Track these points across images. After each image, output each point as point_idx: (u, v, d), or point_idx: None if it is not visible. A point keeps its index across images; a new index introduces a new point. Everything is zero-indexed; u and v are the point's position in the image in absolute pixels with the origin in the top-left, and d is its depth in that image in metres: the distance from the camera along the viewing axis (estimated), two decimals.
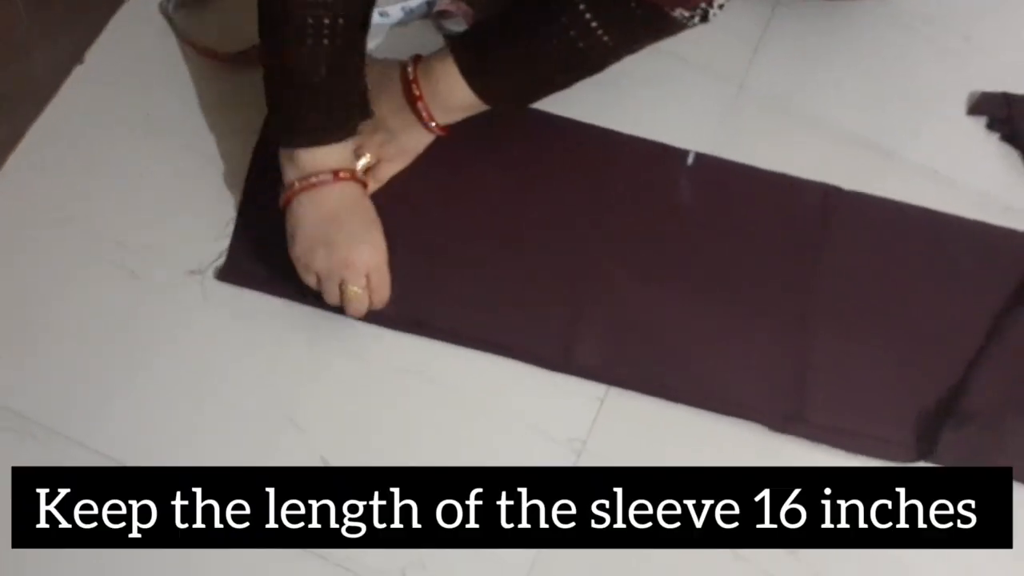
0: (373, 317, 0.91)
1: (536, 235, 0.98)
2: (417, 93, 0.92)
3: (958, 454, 0.91)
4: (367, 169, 0.94)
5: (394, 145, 0.96)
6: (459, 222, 0.98)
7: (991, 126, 1.07)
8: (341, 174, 0.88)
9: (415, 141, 0.97)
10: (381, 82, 0.93)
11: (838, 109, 1.07)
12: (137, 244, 0.96)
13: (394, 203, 0.95)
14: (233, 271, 0.94)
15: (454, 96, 0.91)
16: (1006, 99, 1.07)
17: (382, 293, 0.89)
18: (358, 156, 0.93)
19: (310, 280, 0.89)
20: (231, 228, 0.96)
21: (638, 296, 0.96)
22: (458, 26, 1.05)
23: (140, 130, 1.00)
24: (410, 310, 0.94)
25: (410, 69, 0.92)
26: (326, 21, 0.82)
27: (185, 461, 0.88)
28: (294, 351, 0.93)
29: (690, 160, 1.02)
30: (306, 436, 0.90)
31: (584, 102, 1.02)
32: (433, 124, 0.93)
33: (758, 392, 0.93)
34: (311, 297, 0.91)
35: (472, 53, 0.90)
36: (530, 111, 1.01)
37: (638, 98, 1.05)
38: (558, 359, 0.93)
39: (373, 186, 0.95)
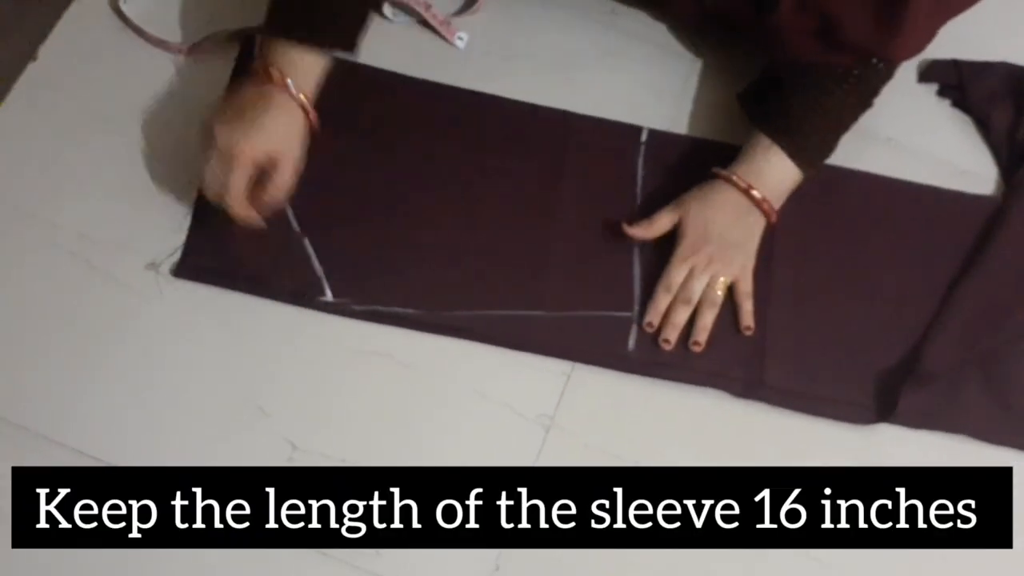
0: (336, 309, 0.93)
1: (495, 219, 0.99)
2: (760, 196, 0.95)
3: (917, 415, 0.93)
4: (727, 290, 0.96)
5: (742, 254, 0.97)
6: (418, 208, 0.98)
7: (942, 92, 1.09)
8: (301, 95, 0.89)
9: (756, 239, 0.98)
10: (705, 203, 0.96)
11: None
12: (97, 238, 0.95)
13: (353, 190, 0.97)
14: (189, 267, 0.94)
15: (785, 183, 0.97)
16: (956, 66, 1.08)
17: (277, 190, 0.89)
18: (712, 285, 0.95)
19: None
20: (189, 221, 0.96)
21: (597, 272, 0.97)
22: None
23: (97, 124, 1.00)
24: (372, 300, 0.94)
25: (736, 179, 0.95)
26: None
27: (153, 454, 0.88)
28: (257, 341, 0.93)
29: (644, 136, 1.03)
30: (273, 421, 0.90)
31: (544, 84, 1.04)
32: (772, 210, 0.97)
33: (719, 360, 0.94)
34: (269, 290, 0.93)
35: (787, 135, 0.95)
36: (484, 96, 1.03)
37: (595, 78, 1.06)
38: (519, 339, 0.94)
39: (750, 303, 0.96)
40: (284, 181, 0.90)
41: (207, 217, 0.94)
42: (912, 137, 1.06)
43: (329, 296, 0.94)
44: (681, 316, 0.95)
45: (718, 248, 0.95)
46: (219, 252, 0.94)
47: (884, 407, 0.93)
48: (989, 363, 0.96)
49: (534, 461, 0.90)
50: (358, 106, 1.01)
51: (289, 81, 0.89)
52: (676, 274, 0.95)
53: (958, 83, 1.08)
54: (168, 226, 0.96)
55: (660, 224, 0.97)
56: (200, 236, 0.95)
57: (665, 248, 0.97)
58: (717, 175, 0.97)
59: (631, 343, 0.95)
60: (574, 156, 1.02)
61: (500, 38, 1.08)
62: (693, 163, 1.01)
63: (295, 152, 0.90)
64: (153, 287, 0.94)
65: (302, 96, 0.90)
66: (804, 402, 0.93)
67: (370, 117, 1.01)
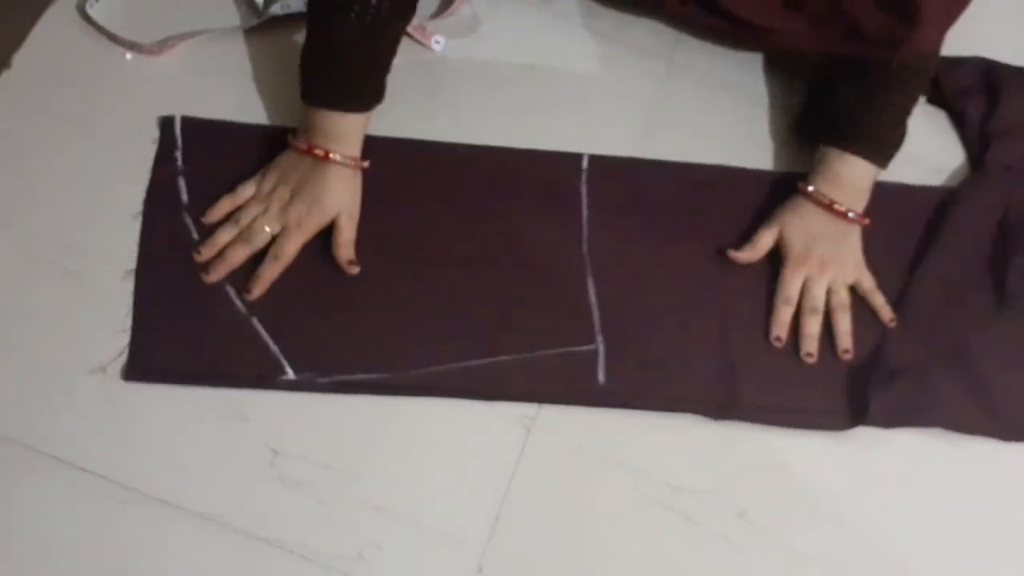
0: (300, 386, 0.90)
1: (446, 270, 0.97)
2: (843, 209, 0.98)
3: (890, 414, 0.93)
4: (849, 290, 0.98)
5: (852, 254, 0.99)
6: (365, 269, 0.95)
7: None
8: (351, 161, 0.94)
9: (859, 244, 1.00)
10: (805, 223, 0.98)
11: (760, 81, 1.09)
12: (75, 245, 0.95)
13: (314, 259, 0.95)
14: (139, 368, 0.90)
15: (865, 183, 0.99)
16: None
17: (346, 248, 0.94)
18: (835, 286, 0.97)
19: (245, 192, 0.95)
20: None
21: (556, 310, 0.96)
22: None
23: (73, 131, 1.00)
24: (336, 370, 0.91)
25: (817, 195, 0.98)
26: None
27: (137, 468, 0.87)
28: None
29: (585, 164, 1.03)
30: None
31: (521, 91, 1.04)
32: (858, 216, 0.99)
33: (691, 384, 0.94)
34: (227, 379, 0.91)
35: (860, 143, 0.98)
36: (415, 144, 1.02)
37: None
38: (489, 388, 0.92)
39: (880, 298, 0.98)
40: (349, 238, 0.95)
41: (148, 315, 0.92)
42: None
43: (290, 374, 0.90)
44: (815, 327, 0.96)
45: (827, 252, 0.97)
46: (168, 348, 0.91)
47: (857, 410, 0.93)
48: (956, 354, 0.96)
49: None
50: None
51: (336, 156, 0.93)
52: (792, 285, 0.97)
53: (934, 79, 1.09)
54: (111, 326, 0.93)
55: (763, 243, 0.98)
56: (145, 336, 0.91)
57: (617, 277, 0.97)
58: (801, 192, 0.99)
59: (600, 376, 0.93)
60: (518, 194, 1.01)
61: (478, 42, 1.08)
62: (639, 184, 1.02)
63: (355, 210, 0.96)
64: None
65: (350, 162, 0.94)
66: (779, 416, 0.93)
67: None
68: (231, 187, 0.97)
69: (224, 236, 0.94)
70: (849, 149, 0.98)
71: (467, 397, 0.92)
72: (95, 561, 0.83)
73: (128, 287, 0.93)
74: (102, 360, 0.90)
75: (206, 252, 0.94)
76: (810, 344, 0.95)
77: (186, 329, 0.91)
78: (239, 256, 0.93)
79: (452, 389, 0.91)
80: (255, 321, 0.92)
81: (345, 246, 0.94)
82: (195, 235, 0.95)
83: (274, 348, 0.91)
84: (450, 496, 0.88)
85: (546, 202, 1.00)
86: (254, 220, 0.94)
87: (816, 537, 0.89)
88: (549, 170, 1.02)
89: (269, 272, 0.93)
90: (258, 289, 0.93)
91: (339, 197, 0.94)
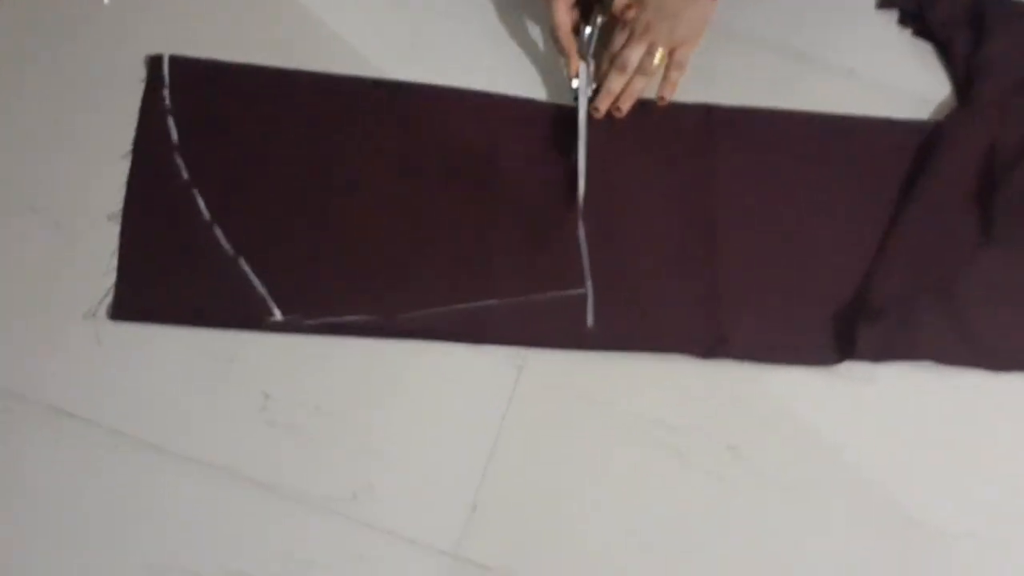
0: (287, 327, 0.90)
1: (434, 212, 0.95)
2: None
3: (877, 348, 0.93)
4: (664, 62, 0.97)
5: (684, 25, 0.97)
6: (353, 210, 0.95)
7: (903, 21, 1.09)
8: None
9: (701, 17, 0.98)
10: None
11: (752, 18, 1.07)
12: (59, 191, 0.94)
13: (279, 201, 0.95)
14: (126, 308, 0.91)
15: None
16: None
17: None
18: (651, 53, 0.96)
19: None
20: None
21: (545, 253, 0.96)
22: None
23: (55, 78, 0.98)
24: (323, 312, 0.91)
25: None
26: None
27: (128, 414, 0.87)
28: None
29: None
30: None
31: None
32: None
33: (679, 325, 0.94)
34: (214, 319, 0.91)
35: None
36: (399, 85, 1.00)
37: None
38: (477, 331, 0.92)
39: (677, 74, 0.98)
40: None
41: (135, 255, 0.92)
42: (873, 68, 1.06)
43: (278, 315, 0.91)
44: (615, 83, 0.96)
45: (655, 15, 0.95)
46: (155, 289, 0.91)
47: (844, 345, 0.94)
48: (941, 287, 0.96)
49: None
50: (258, 111, 0.98)
51: None
52: (616, 41, 0.97)
53: (917, 9, 1.08)
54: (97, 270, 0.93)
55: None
56: (131, 275, 0.92)
57: (606, 220, 0.96)
58: None
59: (590, 319, 0.93)
60: (503, 136, 0.99)
61: None
62: (629, 121, 1.00)
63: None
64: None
65: None
66: (767, 352, 0.94)
67: (276, 120, 0.98)
68: (221, 126, 0.96)
69: (615, 83, 0.97)
70: None
71: (456, 340, 0.92)
72: (87, 507, 0.84)
73: (114, 230, 0.93)
74: (91, 303, 0.90)
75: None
76: (603, 100, 0.97)
77: (173, 269, 0.91)
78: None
79: (441, 332, 0.91)
80: (242, 262, 0.92)
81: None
82: (185, 175, 0.94)
83: (261, 289, 0.91)
84: (442, 436, 0.89)
85: (537, 144, 1.00)
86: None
87: (806, 471, 0.90)
88: (539, 113, 1.01)
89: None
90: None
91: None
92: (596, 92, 0.98)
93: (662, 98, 0.98)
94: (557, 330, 0.93)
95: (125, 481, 0.85)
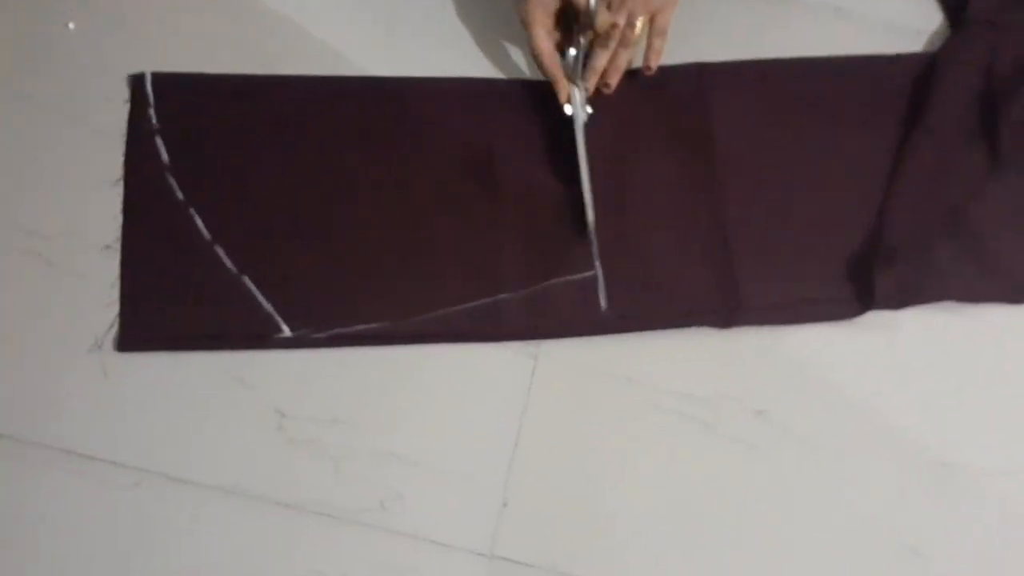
0: (297, 343, 0.89)
1: (432, 210, 0.93)
2: None
3: (897, 294, 0.91)
4: (644, 29, 0.94)
5: None
6: (351, 217, 0.93)
7: None
8: None
9: None
10: None
11: None
12: (44, 227, 0.92)
13: (277, 214, 0.93)
14: (133, 339, 0.89)
15: None
16: None
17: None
18: (630, 24, 0.92)
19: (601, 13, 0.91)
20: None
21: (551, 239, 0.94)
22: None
23: (30, 107, 0.96)
24: (332, 324, 0.89)
25: None
26: None
27: (144, 448, 0.86)
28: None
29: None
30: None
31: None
32: None
33: (694, 297, 0.92)
34: (222, 341, 0.89)
35: None
36: (381, 81, 0.98)
37: None
38: (490, 329, 0.90)
39: (660, 41, 0.95)
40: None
41: (137, 283, 0.90)
42: (861, 3, 1.03)
43: (286, 331, 0.89)
44: (599, 60, 0.93)
45: None
46: (161, 316, 0.89)
47: (864, 295, 0.91)
48: (955, 222, 0.94)
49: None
50: (247, 121, 0.96)
51: None
52: (598, 16, 0.93)
53: None
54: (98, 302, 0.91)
55: None
56: (135, 305, 0.89)
57: (609, 197, 0.93)
58: None
59: (603, 301, 0.91)
60: (498, 123, 0.97)
61: None
62: (622, 94, 0.97)
63: None
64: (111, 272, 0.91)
65: None
66: (785, 313, 0.91)
67: (265, 129, 0.95)
68: (211, 141, 0.94)
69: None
70: None
71: (470, 340, 0.90)
72: (116, 549, 0.83)
73: (110, 260, 0.91)
74: (95, 337, 0.89)
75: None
76: (589, 77, 0.93)
77: (177, 293, 0.90)
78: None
79: (454, 334, 0.90)
80: (246, 280, 0.90)
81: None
82: (179, 195, 0.92)
83: (267, 306, 0.89)
84: (463, 433, 0.87)
85: (531, 129, 0.97)
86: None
87: (837, 427, 0.89)
88: (529, 93, 0.98)
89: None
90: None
91: None
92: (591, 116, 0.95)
93: (648, 67, 0.95)
94: (572, 317, 0.91)
95: (150, 519, 0.84)
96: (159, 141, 0.94)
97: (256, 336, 0.89)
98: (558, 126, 0.95)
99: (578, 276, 0.92)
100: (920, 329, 0.92)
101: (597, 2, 0.90)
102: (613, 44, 0.93)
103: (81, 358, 0.88)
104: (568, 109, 0.93)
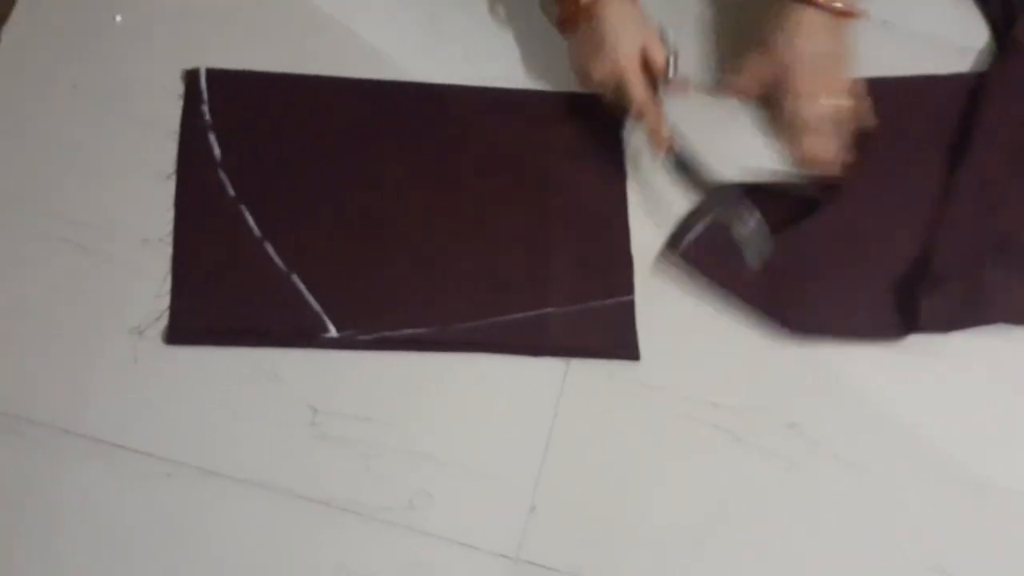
0: (342, 343, 0.89)
1: (485, 219, 0.94)
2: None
3: (942, 318, 0.90)
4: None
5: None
6: (402, 219, 0.93)
7: None
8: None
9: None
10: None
11: None
12: (86, 218, 0.93)
13: (329, 215, 0.93)
14: (181, 331, 0.89)
15: None
16: None
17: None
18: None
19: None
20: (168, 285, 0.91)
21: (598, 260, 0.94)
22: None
23: (84, 99, 0.97)
24: (379, 327, 0.89)
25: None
26: None
27: (177, 440, 0.87)
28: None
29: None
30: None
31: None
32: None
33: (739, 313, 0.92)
34: (270, 338, 0.89)
35: None
36: (443, 88, 0.98)
37: None
38: (534, 342, 0.90)
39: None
40: (660, 56, 0.91)
41: (188, 277, 0.91)
42: (908, 18, 1.03)
43: (333, 331, 0.89)
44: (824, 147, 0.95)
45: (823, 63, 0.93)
46: (209, 309, 0.90)
47: (908, 319, 0.90)
48: (1004, 248, 0.93)
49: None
50: (299, 120, 0.97)
51: None
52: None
53: None
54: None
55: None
56: (185, 297, 0.90)
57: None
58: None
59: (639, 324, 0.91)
60: (547, 136, 0.97)
61: None
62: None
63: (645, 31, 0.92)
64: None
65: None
66: (828, 330, 0.91)
67: (317, 130, 0.96)
68: (263, 139, 0.95)
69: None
70: None
71: (512, 352, 0.89)
72: (147, 539, 0.83)
73: (159, 253, 0.92)
74: (140, 326, 0.89)
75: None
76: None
77: (226, 288, 0.90)
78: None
79: (496, 344, 0.89)
80: (295, 278, 0.91)
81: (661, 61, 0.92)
82: (231, 191, 0.93)
83: (315, 305, 0.90)
84: (494, 437, 0.87)
85: (588, 148, 0.97)
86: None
87: (868, 443, 0.88)
88: (586, 113, 0.98)
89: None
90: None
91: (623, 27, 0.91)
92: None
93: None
94: (607, 338, 0.91)
95: (181, 510, 0.84)
96: (212, 137, 0.95)
97: (303, 335, 0.89)
98: (611, 143, 0.96)
99: (619, 299, 0.92)
100: (961, 350, 0.91)
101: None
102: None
103: (121, 349, 0.89)
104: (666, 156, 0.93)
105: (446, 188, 0.94)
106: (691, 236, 0.93)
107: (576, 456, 0.87)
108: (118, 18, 1.01)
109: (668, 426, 0.88)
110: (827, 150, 0.94)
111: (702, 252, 0.92)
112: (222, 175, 0.94)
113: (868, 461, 0.87)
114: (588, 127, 0.97)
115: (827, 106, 0.93)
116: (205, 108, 0.96)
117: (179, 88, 0.97)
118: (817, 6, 0.91)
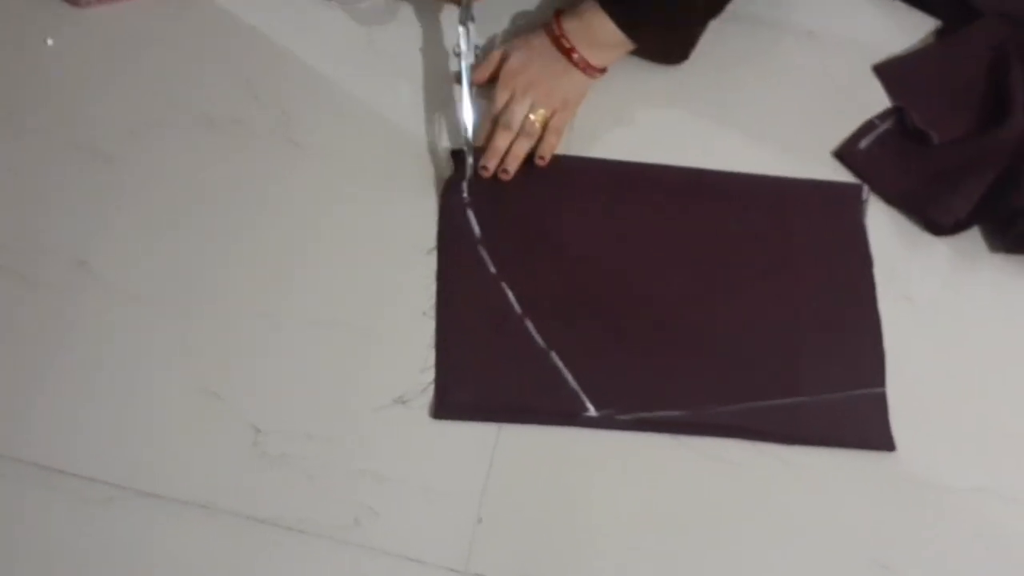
0: (601, 423, 0.89)
1: (739, 301, 0.94)
2: (568, 46, 0.96)
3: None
4: (545, 123, 0.97)
5: (562, 90, 0.98)
6: (660, 299, 0.94)
7: None
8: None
9: (577, 88, 0.99)
10: (529, 48, 0.98)
11: None
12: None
13: (585, 291, 0.94)
14: (449, 406, 0.89)
15: (603, 35, 0.95)
16: None
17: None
18: (534, 111, 0.96)
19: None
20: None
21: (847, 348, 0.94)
22: None
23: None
24: (636, 407, 0.89)
25: (554, 26, 0.97)
26: None
27: (119, 462, 0.86)
28: None
29: (864, 194, 1.00)
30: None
31: None
32: (588, 65, 0.97)
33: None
34: (533, 416, 0.89)
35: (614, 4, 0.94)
36: (698, 172, 1.00)
37: None
38: (788, 430, 0.90)
39: (555, 139, 0.98)
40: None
41: (452, 351, 0.91)
42: (833, 27, 1.05)
43: (592, 411, 0.89)
44: (500, 141, 0.96)
45: (539, 76, 0.96)
46: (474, 385, 0.90)
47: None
48: None
49: None
50: (552, 199, 0.98)
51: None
52: (498, 99, 0.97)
53: None
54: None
55: (491, 58, 1.00)
56: (450, 372, 0.90)
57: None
58: (544, 28, 0.99)
59: (891, 417, 0.91)
60: (796, 223, 0.98)
61: None
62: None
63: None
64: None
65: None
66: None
67: (571, 208, 0.97)
68: (520, 216, 0.96)
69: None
70: (607, 9, 0.94)
71: (768, 440, 0.89)
72: (86, 566, 0.82)
73: (424, 327, 0.92)
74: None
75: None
76: (490, 158, 0.96)
77: (491, 365, 0.90)
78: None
79: (752, 432, 0.89)
80: (554, 355, 0.90)
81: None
82: (492, 268, 0.93)
83: (573, 384, 0.90)
84: (439, 452, 0.87)
85: (829, 235, 0.98)
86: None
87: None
88: (828, 200, 0.99)
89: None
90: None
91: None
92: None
93: (542, 158, 0.97)
94: (863, 432, 0.90)
95: (123, 534, 0.83)
96: (470, 214, 0.95)
97: (564, 414, 0.89)
98: (855, 229, 0.98)
99: (871, 390, 0.92)
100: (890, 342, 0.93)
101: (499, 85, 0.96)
102: (515, 128, 0.96)
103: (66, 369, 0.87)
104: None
105: (700, 270, 0.95)
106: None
107: (522, 466, 0.87)
108: (49, 41, 1.00)
109: (613, 435, 0.89)
110: (499, 143, 0.97)
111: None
112: (482, 251, 0.94)
113: (807, 459, 0.89)
114: (831, 213, 0.99)
115: (528, 114, 0.97)
116: (464, 185, 0.96)
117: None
118: (550, 33, 0.97)
